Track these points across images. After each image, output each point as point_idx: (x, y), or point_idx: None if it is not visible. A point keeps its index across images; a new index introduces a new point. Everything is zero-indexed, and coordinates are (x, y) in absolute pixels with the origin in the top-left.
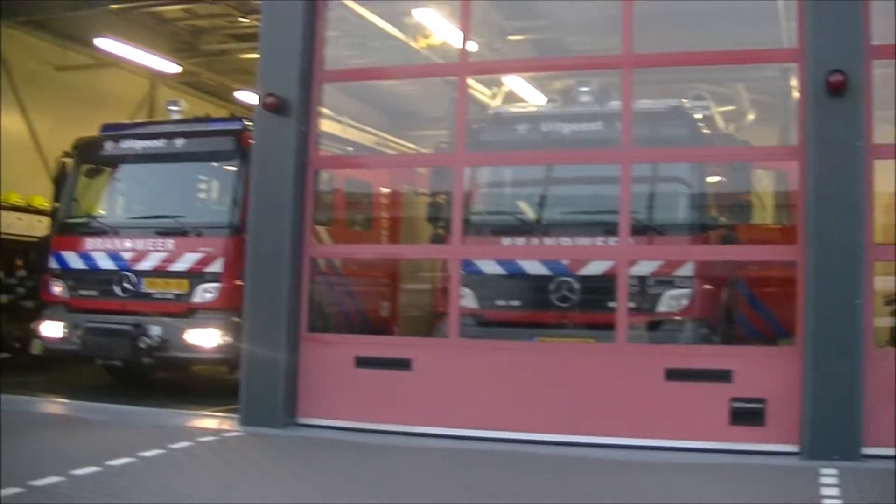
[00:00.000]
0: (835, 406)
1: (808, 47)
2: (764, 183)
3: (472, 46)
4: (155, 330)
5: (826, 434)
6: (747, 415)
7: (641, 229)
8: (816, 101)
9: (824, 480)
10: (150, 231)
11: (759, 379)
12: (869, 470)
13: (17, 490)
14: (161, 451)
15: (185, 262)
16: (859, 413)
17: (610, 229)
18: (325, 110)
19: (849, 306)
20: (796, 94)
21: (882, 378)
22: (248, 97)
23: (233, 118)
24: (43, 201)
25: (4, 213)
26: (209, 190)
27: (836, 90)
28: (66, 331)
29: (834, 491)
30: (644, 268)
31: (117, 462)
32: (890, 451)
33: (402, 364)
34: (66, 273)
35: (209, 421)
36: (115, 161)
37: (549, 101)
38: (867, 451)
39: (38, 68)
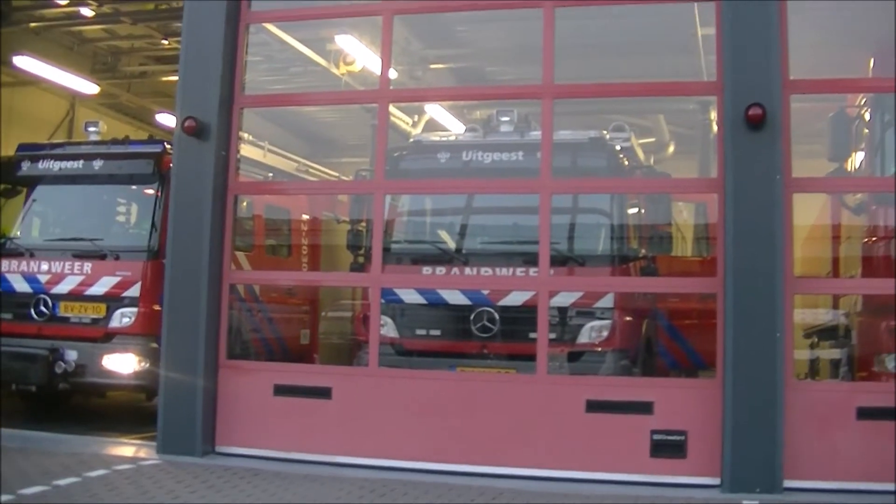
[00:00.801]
0: (755, 439)
1: (726, 80)
2: (684, 215)
3: (393, 74)
4: (71, 355)
5: (747, 467)
6: (668, 447)
7: (562, 260)
8: (735, 133)
9: None
10: (67, 254)
11: (679, 411)
12: (791, 503)
13: None
14: (76, 480)
15: (102, 286)
16: (780, 446)
17: (530, 259)
18: (245, 135)
19: (769, 338)
20: (715, 127)
21: (802, 411)
22: (168, 120)
23: (153, 141)
24: None
25: None
26: (128, 213)
27: (755, 123)
28: None
29: None
30: (564, 299)
31: (31, 490)
32: (811, 484)
33: (322, 392)
34: None
35: (126, 449)
36: (31, 181)
37: (470, 130)
38: (788, 483)
39: None
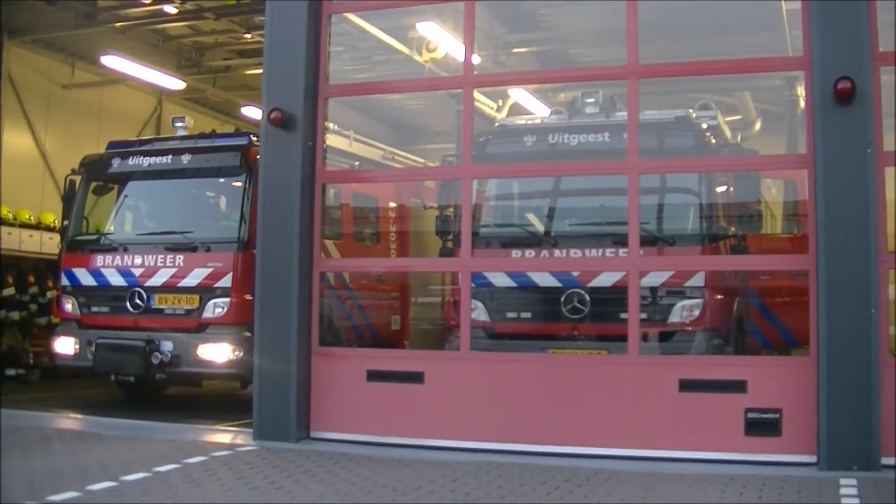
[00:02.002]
0: (851, 416)
1: (814, 55)
2: (773, 192)
3: (477, 59)
4: (166, 345)
5: (843, 444)
6: (762, 425)
7: (651, 240)
8: (824, 108)
9: (844, 492)
10: (159, 247)
11: (773, 389)
12: (889, 481)
13: None
14: (176, 466)
15: (194, 278)
16: (876, 423)
17: (620, 240)
18: (330, 125)
19: (863, 315)
20: (803, 103)
21: None
22: (254, 113)
23: (239, 133)
24: (53, 218)
25: (16, 230)
26: (217, 205)
27: (844, 97)
28: (78, 347)
29: (854, 502)
30: (655, 279)
31: (132, 477)
32: None
33: (414, 377)
34: (77, 290)
35: (223, 435)
36: (122, 178)
37: (555, 112)
38: (886, 461)
39: (45, 86)
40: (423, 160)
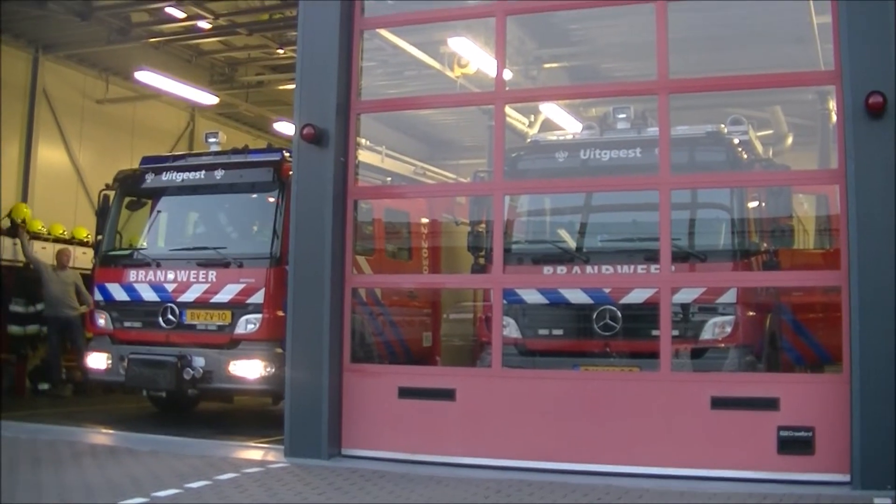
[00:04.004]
0: (885, 434)
1: (844, 69)
2: (805, 207)
3: (508, 75)
4: (199, 361)
5: (878, 463)
6: (795, 443)
7: (683, 256)
8: (856, 122)
9: None
10: (192, 263)
11: (806, 406)
12: None
13: None
14: (207, 483)
15: (227, 294)
16: None
17: (651, 256)
18: (362, 140)
19: None
20: (835, 117)
21: None
22: (286, 128)
23: (272, 149)
24: (86, 233)
25: (49, 244)
26: (250, 221)
27: (876, 112)
28: (110, 362)
29: None
30: (687, 295)
31: (164, 493)
32: None
33: (446, 394)
34: (109, 305)
35: (254, 452)
36: (155, 193)
37: (587, 128)
38: None
39: (79, 101)
40: (454, 176)
